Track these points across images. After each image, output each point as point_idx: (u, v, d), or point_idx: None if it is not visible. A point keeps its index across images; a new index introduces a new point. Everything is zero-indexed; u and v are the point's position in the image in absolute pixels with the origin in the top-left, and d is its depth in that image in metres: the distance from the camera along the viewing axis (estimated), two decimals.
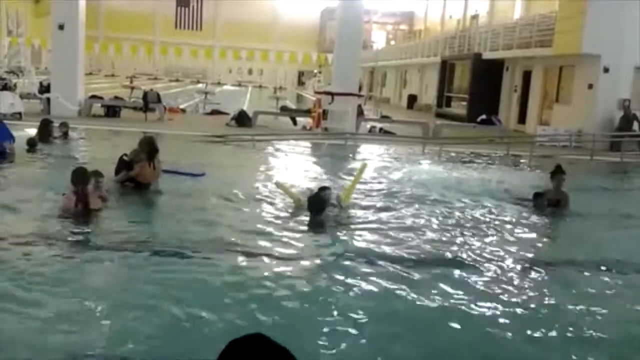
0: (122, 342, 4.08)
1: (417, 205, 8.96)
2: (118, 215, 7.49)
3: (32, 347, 3.93)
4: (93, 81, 33.88)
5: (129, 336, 4.17)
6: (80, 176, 7.12)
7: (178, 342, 4.18)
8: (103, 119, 18.89)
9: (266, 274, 5.59)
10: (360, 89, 23.63)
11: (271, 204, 8.43)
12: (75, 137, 13.54)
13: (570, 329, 4.87)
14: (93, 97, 20.69)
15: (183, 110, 23.77)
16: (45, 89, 19.14)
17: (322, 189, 7.92)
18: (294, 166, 12.51)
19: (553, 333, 4.80)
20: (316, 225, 7.34)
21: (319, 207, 7.46)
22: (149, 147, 8.87)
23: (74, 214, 6.95)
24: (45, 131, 12.59)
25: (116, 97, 21.84)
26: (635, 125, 18.68)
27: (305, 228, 7.30)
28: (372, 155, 15.33)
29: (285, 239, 6.76)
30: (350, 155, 15.09)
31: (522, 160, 15.62)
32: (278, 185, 8.88)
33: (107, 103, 20.30)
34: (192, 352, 3.99)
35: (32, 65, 19.98)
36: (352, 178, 9.73)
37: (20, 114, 16.59)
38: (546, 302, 5.45)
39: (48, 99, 18.38)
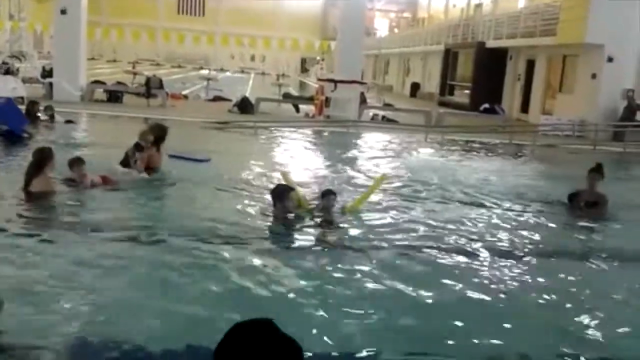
0: (122, 329, 4.09)
1: (417, 194, 8.94)
2: (120, 200, 7.50)
3: (36, 333, 3.93)
4: (95, 66, 33.79)
5: (127, 322, 4.20)
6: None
7: (178, 329, 4.19)
8: (105, 104, 18.87)
9: (264, 262, 5.58)
10: (361, 77, 23.56)
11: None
12: (60, 121, 13.52)
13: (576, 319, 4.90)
14: (95, 82, 20.67)
15: (185, 97, 23.73)
16: (48, 73, 19.13)
17: (326, 192, 7.30)
18: (296, 154, 12.48)
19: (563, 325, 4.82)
20: (281, 213, 6.91)
21: (278, 196, 6.93)
22: (158, 133, 8.96)
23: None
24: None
25: (119, 83, 21.80)
26: (639, 115, 18.61)
27: (305, 217, 7.07)
28: (374, 144, 15.33)
29: (284, 229, 6.74)
30: (353, 142, 15.07)
31: (524, 150, 15.60)
32: (284, 175, 8.48)
33: (109, 88, 20.28)
34: (193, 339, 4.00)
35: (34, 50, 19.87)
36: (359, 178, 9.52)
37: (22, 98, 16.57)
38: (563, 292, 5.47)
39: (51, 84, 18.36)
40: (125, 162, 8.68)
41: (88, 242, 5.82)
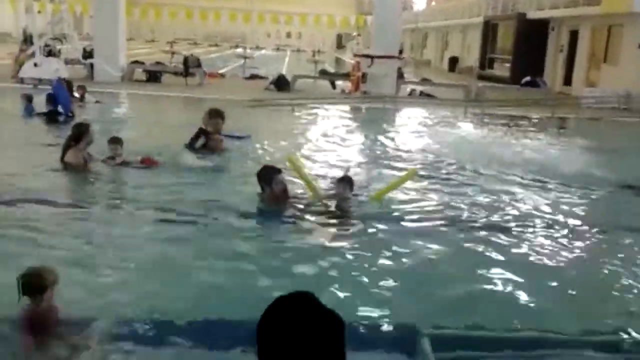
0: (153, 303, 4.17)
1: (455, 172, 8.76)
2: (154, 178, 7.58)
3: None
4: (133, 47, 34.19)
5: (160, 297, 4.28)
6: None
7: (211, 303, 4.27)
8: (145, 84, 19.13)
9: (298, 241, 5.57)
10: (401, 52, 23.26)
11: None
12: (91, 100, 13.77)
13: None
14: (135, 62, 20.95)
15: (222, 75, 23.87)
16: (88, 54, 19.44)
17: (341, 179, 6.66)
18: (331, 131, 12.33)
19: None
20: (270, 199, 6.33)
21: (264, 180, 6.29)
22: (219, 117, 9.11)
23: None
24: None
25: (157, 63, 22.04)
26: None
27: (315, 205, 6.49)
28: (412, 119, 15.17)
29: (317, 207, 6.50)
30: (390, 119, 14.94)
31: (567, 123, 15.23)
32: (291, 162, 6.95)
33: (148, 68, 20.53)
34: (231, 313, 4.07)
35: (74, 32, 20.19)
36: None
37: (64, 79, 16.89)
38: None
39: (92, 65, 18.67)
40: (191, 145, 8.81)
41: (123, 218, 5.97)
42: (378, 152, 10.20)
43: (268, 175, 6.29)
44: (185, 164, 8.02)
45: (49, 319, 3.61)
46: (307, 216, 6.15)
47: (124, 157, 7.85)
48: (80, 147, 7.62)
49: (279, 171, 6.38)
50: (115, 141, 7.91)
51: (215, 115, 9.26)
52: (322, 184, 7.25)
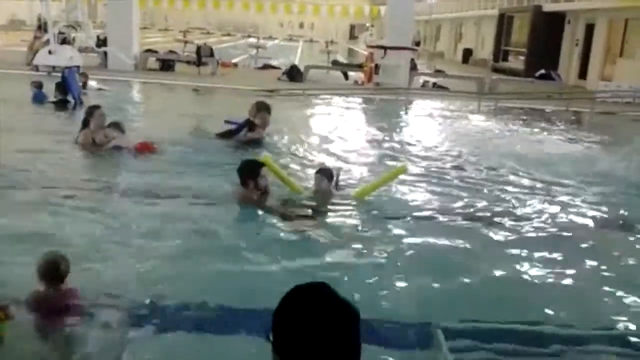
0: (167, 288, 4.21)
1: (470, 164, 8.75)
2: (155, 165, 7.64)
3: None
4: (147, 35, 34.25)
5: (173, 282, 4.32)
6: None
7: (230, 291, 4.29)
8: (158, 72, 19.16)
9: (309, 231, 5.56)
10: (418, 43, 23.08)
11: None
12: (94, 87, 13.85)
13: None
14: (148, 51, 20.99)
15: (235, 65, 23.86)
16: (102, 42, 19.49)
17: (317, 172, 6.47)
18: (342, 122, 12.31)
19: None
20: (252, 194, 6.06)
21: (249, 174, 6.03)
22: (267, 110, 9.16)
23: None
24: None
25: (170, 52, 22.07)
26: None
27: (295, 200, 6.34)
28: (424, 111, 15.11)
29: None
30: (402, 111, 14.88)
31: (582, 117, 15.10)
32: (266, 162, 6.31)
33: (161, 57, 20.57)
34: (247, 301, 4.09)
35: (88, 20, 20.24)
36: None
37: (78, 67, 16.96)
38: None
39: (105, 53, 18.72)
40: (234, 133, 8.93)
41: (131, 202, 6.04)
42: (386, 146, 10.08)
43: (254, 169, 6.06)
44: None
45: (65, 303, 3.65)
46: (289, 209, 6.01)
47: (120, 142, 7.94)
48: (91, 129, 7.98)
49: (262, 165, 6.15)
50: (110, 125, 8.10)
51: (263, 108, 9.25)
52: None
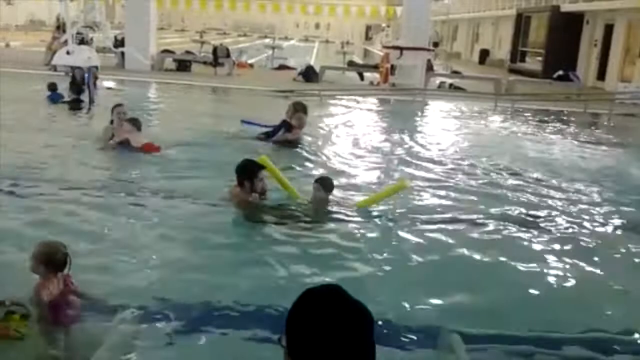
0: (169, 289, 4.23)
1: (483, 167, 8.62)
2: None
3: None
4: (164, 36, 34.48)
5: (175, 283, 4.34)
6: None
7: (245, 291, 4.30)
8: (175, 73, 19.27)
9: (317, 233, 5.53)
10: (436, 44, 22.96)
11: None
12: (103, 86, 13.98)
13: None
14: (165, 51, 21.12)
15: (251, 65, 23.93)
16: (119, 43, 19.64)
17: (316, 180, 6.23)
18: (357, 124, 12.23)
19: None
20: (245, 195, 5.92)
21: (247, 174, 5.87)
22: (303, 111, 9.22)
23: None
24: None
25: (187, 52, 22.20)
26: None
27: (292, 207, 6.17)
28: (440, 112, 15.03)
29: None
30: (418, 112, 14.80)
31: (600, 119, 14.93)
32: (264, 164, 6.14)
33: (178, 57, 20.69)
34: (260, 300, 4.09)
35: (106, 20, 20.42)
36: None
37: (96, 67, 17.09)
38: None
39: (122, 53, 18.87)
40: (272, 135, 9.04)
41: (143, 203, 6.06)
42: (399, 148, 9.85)
43: (254, 169, 5.88)
44: None
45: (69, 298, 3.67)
46: (282, 213, 5.87)
47: (130, 137, 8.01)
48: (113, 126, 8.28)
49: (262, 167, 5.98)
50: (129, 120, 8.22)
51: (301, 109, 9.29)
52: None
